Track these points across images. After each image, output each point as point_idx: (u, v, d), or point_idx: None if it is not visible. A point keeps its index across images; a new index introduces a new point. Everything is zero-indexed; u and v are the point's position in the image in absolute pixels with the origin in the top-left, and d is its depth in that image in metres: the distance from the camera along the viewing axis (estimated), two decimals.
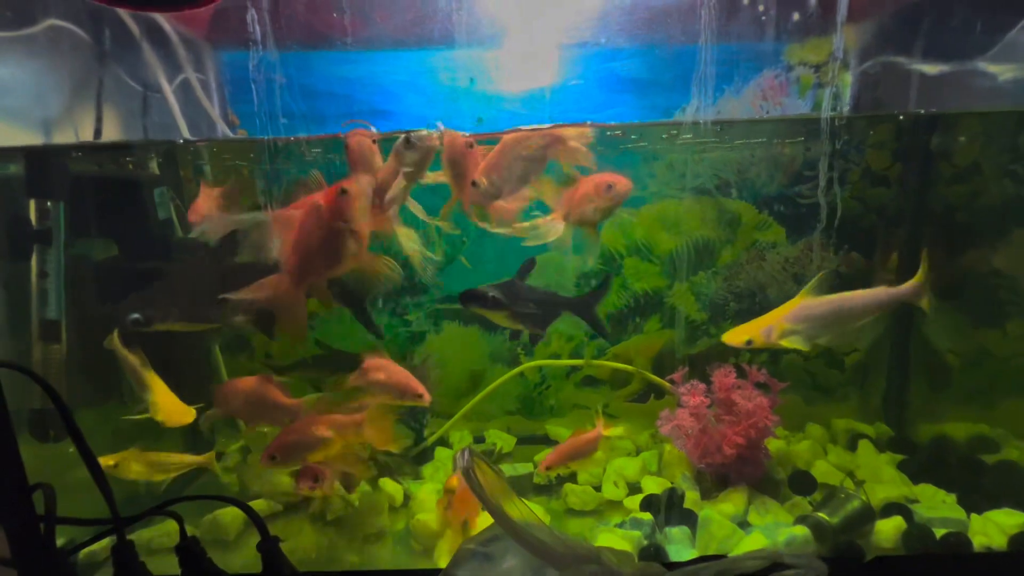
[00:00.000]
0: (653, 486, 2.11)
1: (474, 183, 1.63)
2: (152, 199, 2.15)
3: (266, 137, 1.86)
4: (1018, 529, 1.80)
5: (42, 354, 1.87)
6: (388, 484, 2.12)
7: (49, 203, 1.89)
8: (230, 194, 1.93)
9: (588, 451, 2.04)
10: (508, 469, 2.28)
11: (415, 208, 1.72)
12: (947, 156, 2.37)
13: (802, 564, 1.26)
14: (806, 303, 1.91)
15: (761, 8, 1.89)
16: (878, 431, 2.49)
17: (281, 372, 2.19)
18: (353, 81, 2.07)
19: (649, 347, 2.63)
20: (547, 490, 2.21)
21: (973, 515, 1.90)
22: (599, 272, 2.56)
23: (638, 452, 2.40)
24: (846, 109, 1.99)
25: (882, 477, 2.13)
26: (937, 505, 1.99)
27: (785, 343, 1.89)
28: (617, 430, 2.13)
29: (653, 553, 1.76)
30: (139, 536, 1.80)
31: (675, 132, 2.16)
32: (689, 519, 1.88)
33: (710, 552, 1.78)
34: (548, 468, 2.02)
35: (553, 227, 1.69)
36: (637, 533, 1.83)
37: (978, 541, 1.79)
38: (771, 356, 2.60)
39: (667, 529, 1.86)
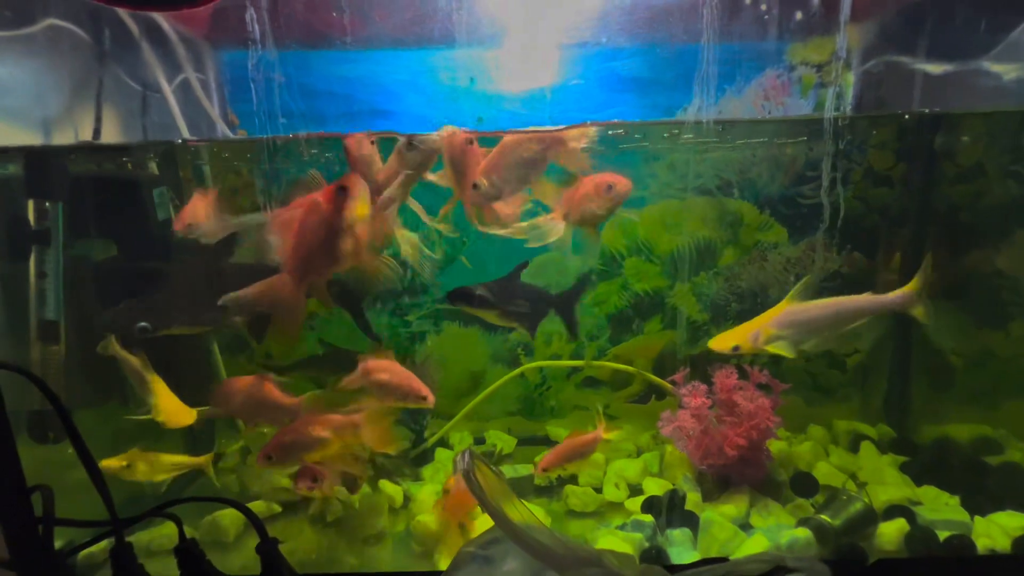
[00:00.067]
0: (654, 488, 2.11)
1: (475, 185, 1.62)
2: (152, 199, 2.14)
3: (266, 137, 1.85)
4: (1022, 531, 1.79)
5: (41, 355, 1.87)
6: (388, 485, 2.11)
7: (48, 203, 1.88)
8: (223, 199, 1.91)
9: (586, 452, 2.03)
10: (508, 470, 2.27)
11: (416, 208, 1.71)
12: (950, 156, 2.36)
13: (804, 567, 1.25)
14: (792, 308, 1.90)
15: (763, 7, 1.88)
16: (880, 432, 2.47)
17: (283, 372, 2.18)
18: (353, 80, 2.06)
19: (650, 348, 2.62)
20: (548, 492, 2.20)
21: (977, 517, 1.88)
22: (600, 272, 2.56)
23: (639, 453, 2.39)
24: (848, 109, 1.98)
25: (884, 479, 2.11)
26: (940, 507, 1.97)
27: (771, 348, 1.88)
28: (617, 434, 2.12)
29: (654, 555, 1.75)
30: (138, 538, 1.80)
31: (677, 131, 2.16)
32: (691, 521, 1.88)
33: (712, 554, 1.78)
34: (545, 470, 2.01)
35: (553, 227, 1.69)
36: (638, 535, 1.83)
37: (982, 543, 1.78)
38: (772, 357, 2.59)
39: (668, 531, 1.85)
